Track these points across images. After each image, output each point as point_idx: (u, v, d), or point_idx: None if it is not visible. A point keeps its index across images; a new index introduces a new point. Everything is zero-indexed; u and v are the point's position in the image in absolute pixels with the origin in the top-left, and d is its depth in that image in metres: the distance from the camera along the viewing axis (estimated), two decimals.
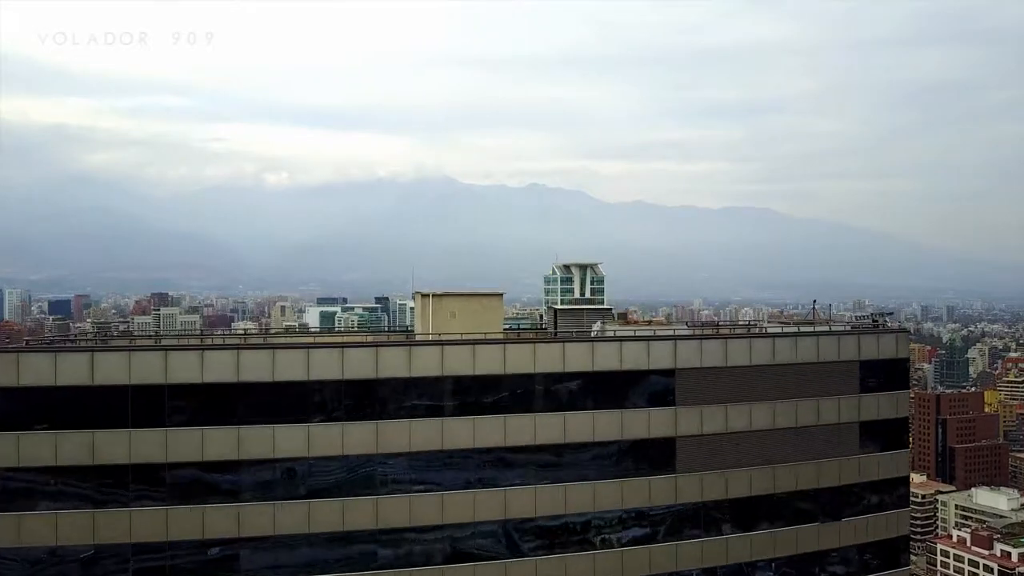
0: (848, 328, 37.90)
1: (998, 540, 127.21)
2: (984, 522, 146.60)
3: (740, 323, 46.40)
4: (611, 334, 33.26)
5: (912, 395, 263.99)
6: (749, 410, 33.70)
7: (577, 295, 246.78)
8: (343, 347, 29.51)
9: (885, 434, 36.76)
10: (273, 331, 37.51)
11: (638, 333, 32.84)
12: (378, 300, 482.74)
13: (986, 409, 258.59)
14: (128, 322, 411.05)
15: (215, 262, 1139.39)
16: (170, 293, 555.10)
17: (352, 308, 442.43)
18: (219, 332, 36.42)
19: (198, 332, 36.67)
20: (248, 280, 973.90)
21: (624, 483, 32.01)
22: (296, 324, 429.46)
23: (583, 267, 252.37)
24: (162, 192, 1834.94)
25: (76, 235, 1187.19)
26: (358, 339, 34.07)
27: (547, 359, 31.08)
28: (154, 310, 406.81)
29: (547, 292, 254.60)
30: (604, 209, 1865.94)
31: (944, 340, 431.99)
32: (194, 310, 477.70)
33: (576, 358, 31.24)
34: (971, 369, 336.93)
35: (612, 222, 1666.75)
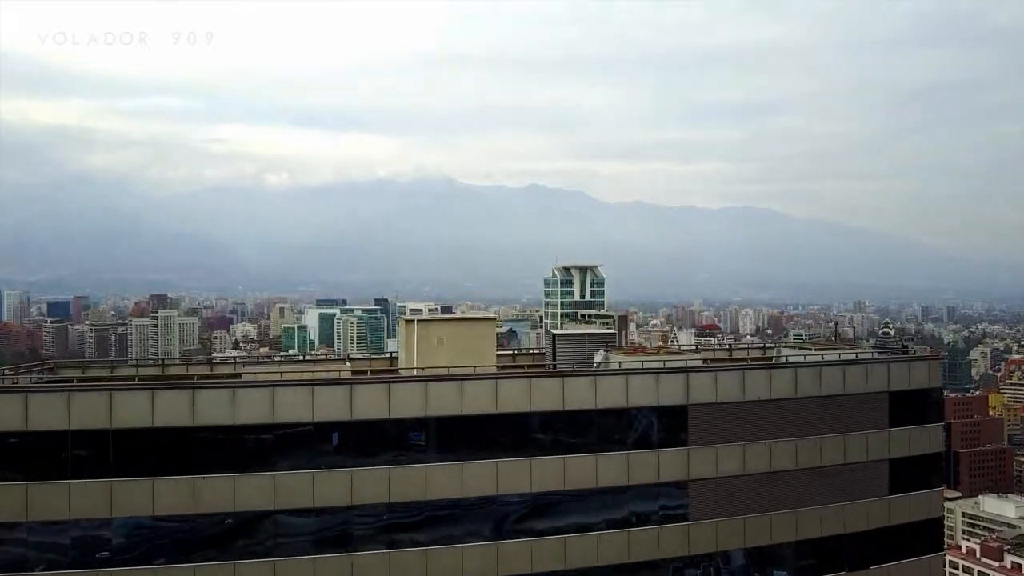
0: (875, 354, 34.41)
1: (1008, 552, 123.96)
2: (992, 531, 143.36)
3: (754, 346, 42.97)
4: (615, 366, 29.81)
5: None
6: (769, 449, 30.26)
7: (577, 297, 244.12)
8: (312, 385, 26.06)
9: (917, 472, 33.30)
10: (241, 359, 34.01)
11: (646, 365, 29.39)
12: (377, 302, 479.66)
13: (990, 412, 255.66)
14: (126, 324, 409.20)
15: (215, 263, 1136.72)
16: (169, 295, 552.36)
17: (351, 310, 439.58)
18: (186, 361, 33.10)
19: (159, 361, 33.26)
20: (248, 281, 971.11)
21: (631, 533, 28.55)
22: (295, 326, 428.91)
23: (583, 269, 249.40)
24: (162, 193, 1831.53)
25: (76, 236, 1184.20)
26: (332, 369, 30.64)
27: (544, 396, 27.65)
28: (152, 312, 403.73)
29: (547, 295, 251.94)
30: (604, 209, 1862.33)
31: (945, 341, 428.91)
32: (193, 312, 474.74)
33: (577, 394, 27.82)
34: (973, 371, 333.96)
35: (612, 222, 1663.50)
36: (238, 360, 32.77)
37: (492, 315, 33.86)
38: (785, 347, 36.10)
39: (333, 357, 34.99)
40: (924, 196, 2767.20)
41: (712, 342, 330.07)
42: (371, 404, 26.00)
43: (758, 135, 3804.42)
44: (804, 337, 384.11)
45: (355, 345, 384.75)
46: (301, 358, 34.01)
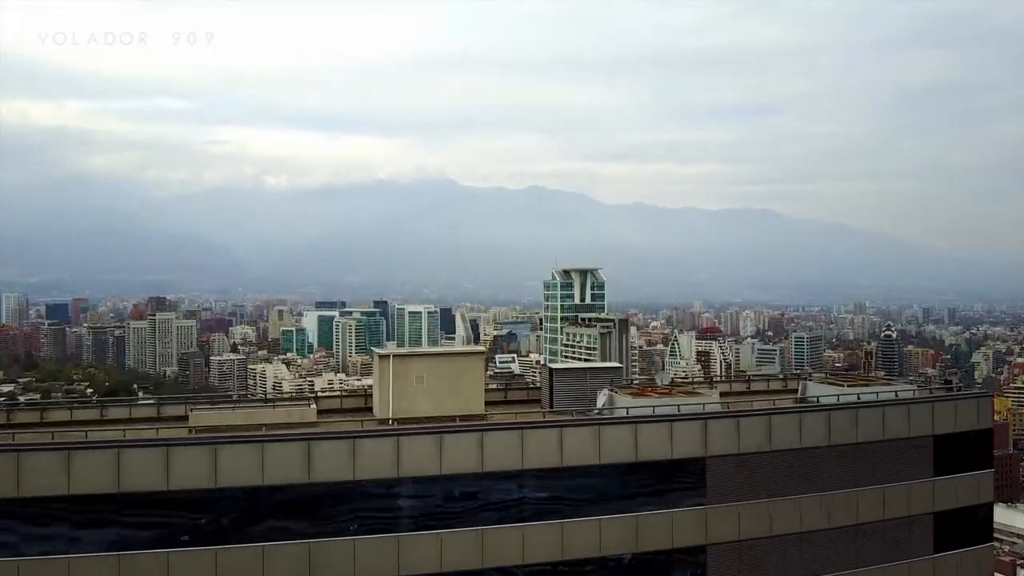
0: (915, 392, 30.21)
1: (1021, 565, 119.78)
2: (1001, 541, 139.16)
3: (775, 376, 38.60)
4: (622, 409, 25.57)
5: None
6: (799, 506, 26.12)
7: (577, 300, 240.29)
8: (262, 442, 21.85)
9: (965, 526, 29.15)
10: (192, 398, 29.72)
11: (657, 410, 25.15)
12: (376, 304, 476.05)
13: (996, 417, 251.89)
14: (124, 327, 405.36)
15: (215, 264, 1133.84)
16: (168, 297, 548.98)
17: (350, 312, 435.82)
18: (130, 401, 28.81)
19: (95, 401, 29.07)
20: (248, 282, 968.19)
21: None
22: (293, 329, 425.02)
23: (583, 272, 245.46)
24: (162, 194, 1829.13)
25: (76, 237, 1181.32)
26: (295, 410, 26.46)
27: (539, 450, 23.38)
28: (150, 315, 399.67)
29: (547, 298, 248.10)
30: (604, 211, 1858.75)
31: (946, 343, 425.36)
32: (192, 314, 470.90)
33: (577, 447, 23.58)
34: (976, 374, 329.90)
35: (612, 224, 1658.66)
36: (189, 400, 28.52)
37: (480, 348, 29.12)
38: (812, 381, 31.91)
39: (299, 396, 30.55)
40: (924, 196, 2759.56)
41: (714, 346, 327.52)
42: (332, 464, 21.79)
43: (757, 136, 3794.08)
44: (830, 356, 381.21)
45: (354, 348, 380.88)
46: (263, 396, 29.63)
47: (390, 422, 26.41)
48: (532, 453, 23.15)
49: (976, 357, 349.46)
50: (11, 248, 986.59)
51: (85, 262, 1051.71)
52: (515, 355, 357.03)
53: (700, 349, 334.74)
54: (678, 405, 25.33)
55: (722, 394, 32.53)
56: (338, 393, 31.66)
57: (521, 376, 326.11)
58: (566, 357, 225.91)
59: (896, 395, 28.60)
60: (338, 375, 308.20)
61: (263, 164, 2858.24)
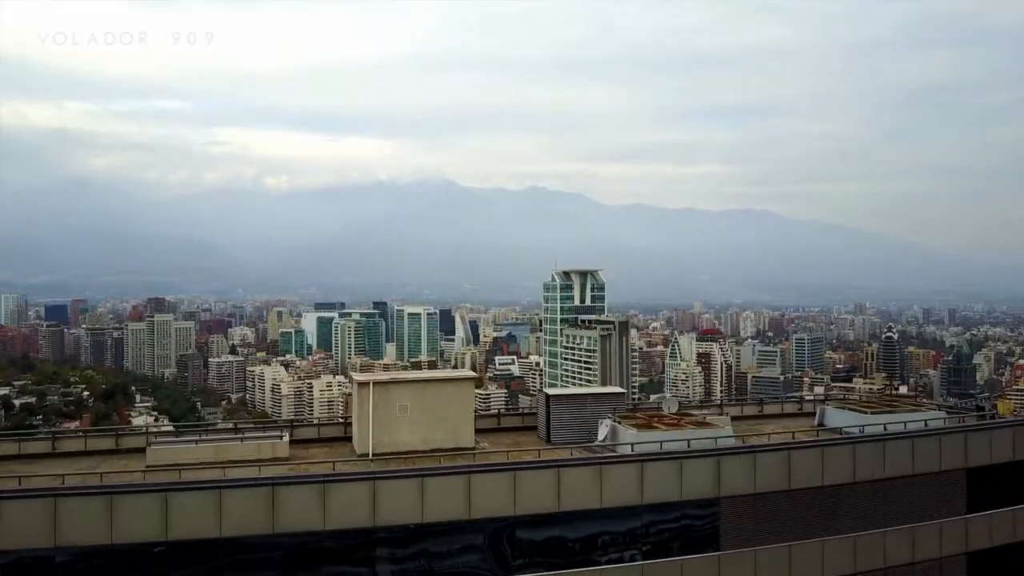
0: (946, 420, 27.59)
1: None
2: None
3: (790, 397, 35.91)
4: (626, 446, 22.96)
5: None
6: (821, 550, 23.57)
7: (577, 302, 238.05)
8: (219, 488, 19.22)
9: (1001, 568, 26.71)
10: (155, 428, 27.01)
11: (664, 445, 22.55)
12: (376, 305, 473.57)
13: None
14: (123, 329, 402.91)
15: (214, 265, 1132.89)
16: (168, 298, 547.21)
17: (350, 314, 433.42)
18: (86, 431, 26.05)
19: (47, 433, 25.94)
20: (248, 284, 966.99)
21: None
22: (292, 330, 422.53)
23: (583, 274, 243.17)
24: (162, 195, 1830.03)
25: (76, 239, 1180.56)
26: (268, 447, 23.87)
27: (534, 493, 20.64)
28: (148, 317, 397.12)
29: (547, 299, 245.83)
30: (604, 212, 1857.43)
31: (947, 344, 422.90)
32: (190, 316, 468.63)
33: (577, 489, 20.89)
34: (977, 376, 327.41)
35: (612, 225, 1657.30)
36: (151, 431, 26.01)
37: (470, 373, 26.33)
38: (830, 407, 29.34)
39: (271, 424, 27.95)
40: (923, 197, 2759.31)
41: (715, 348, 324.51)
42: (300, 511, 19.29)
43: (757, 136, 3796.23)
44: (831, 357, 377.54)
45: (353, 350, 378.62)
46: (233, 424, 27.10)
47: (370, 457, 23.91)
48: (526, 497, 20.57)
49: (977, 359, 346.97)
50: (11, 249, 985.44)
51: (85, 263, 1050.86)
52: (515, 357, 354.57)
53: (700, 351, 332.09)
54: (688, 440, 22.80)
55: (733, 418, 30.03)
56: (315, 422, 28.96)
57: (521, 378, 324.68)
58: (566, 359, 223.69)
59: (926, 424, 26.08)
60: (337, 377, 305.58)
61: (263, 165, 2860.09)
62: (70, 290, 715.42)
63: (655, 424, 24.02)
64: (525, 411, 30.34)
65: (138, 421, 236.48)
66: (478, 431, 27.19)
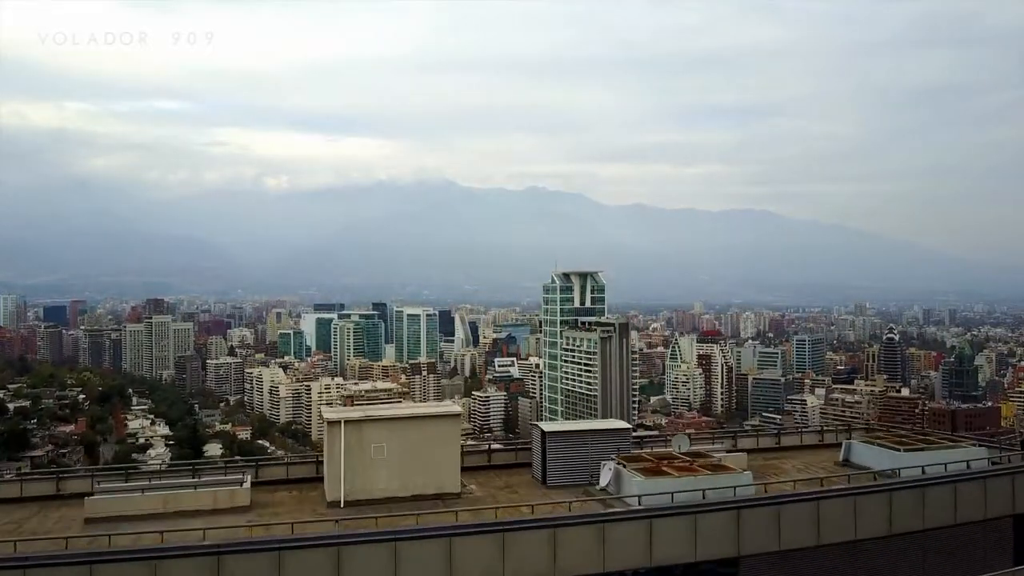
0: (988, 461, 24.59)
1: None
2: None
3: (808, 427, 32.72)
4: (633, 498, 20.03)
5: (926, 409, 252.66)
6: None
7: (577, 304, 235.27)
8: (154, 558, 16.18)
9: None
10: (101, 472, 23.88)
11: (676, 496, 19.62)
12: (375, 306, 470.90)
13: (1002, 423, 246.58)
14: (121, 330, 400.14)
15: (214, 266, 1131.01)
16: (167, 299, 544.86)
17: (349, 315, 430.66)
18: (23, 476, 22.98)
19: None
20: (248, 284, 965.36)
21: None
22: (291, 332, 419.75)
23: (583, 275, 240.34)
24: (162, 196, 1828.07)
25: (76, 239, 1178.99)
26: (226, 495, 21.01)
27: (526, 557, 17.68)
28: (147, 318, 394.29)
29: (546, 301, 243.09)
30: (604, 212, 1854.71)
31: (948, 345, 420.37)
32: (189, 317, 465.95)
33: (576, 551, 17.87)
34: (979, 377, 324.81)
35: (612, 225, 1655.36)
36: (96, 474, 23.19)
37: (455, 409, 23.07)
38: (857, 441, 26.44)
39: (233, 465, 25.08)
40: (923, 198, 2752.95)
41: (715, 349, 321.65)
42: None
43: (757, 137, 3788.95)
44: (832, 358, 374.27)
45: (352, 351, 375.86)
46: (191, 467, 24.24)
47: (341, 505, 21.12)
48: (517, 561, 17.68)
49: (978, 360, 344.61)
50: (11, 249, 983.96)
51: (85, 264, 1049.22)
52: (515, 359, 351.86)
53: (701, 352, 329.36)
54: (703, 490, 19.95)
55: (748, 451, 27.23)
56: (284, 460, 26.01)
57: (520, 380, 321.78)
58: (566, 361, 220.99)
59: (968, 465, 23.24)
60: (335, 379, 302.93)
61: (263, 166, 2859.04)
62: (70, 291, 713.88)
63: (664, 468, 21.18)
64: (519, 445, 27.49)
65: (135, 424, 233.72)
66: (466, 470, 24.43)
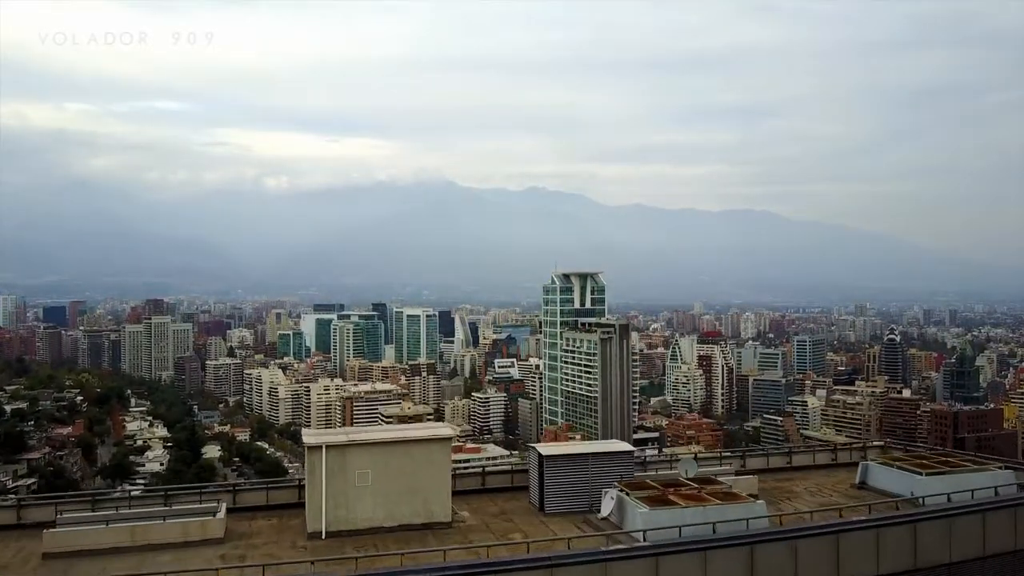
0: (1015, 483, 23.00)
1: None
2: None
3: (822, 447, 30.58)
4: (639, 532, 18.33)
5: (927, 410, 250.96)
6: None
7: (577, 305, 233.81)
8: None
9: None
10: (64, 501, 22.11)
11: (685, 531, 17.95)
12: (375, 307, 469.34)
13: (1004, 425, 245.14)
14: (120, 331, 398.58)
15: (214, 266, 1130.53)
16: (167, 299, 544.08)
17: (348, 316, 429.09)
18: None
19: None
20: (248, 285, 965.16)
21: None
22: (291, 333, 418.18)
23: (583, 276, 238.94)
24: (162, 196, 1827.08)
25: (76, 239, 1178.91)
26: (197, 526, 19.41)
27: None
28: (145, 319, 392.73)
29: (546, 302, 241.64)
30: (604, 212, 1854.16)
31: (948, 345, 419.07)
32: (189, 318, 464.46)
33: None
34: (980, 378, 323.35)
35: (612, 225, 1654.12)
36: (61, 502, 21.63)
37: (447, 432, 21.10)
38: (873, 463, 24.80)
39: (209, 491, 23.37)
40: (923, 198, 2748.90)
41: (716, 350, 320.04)
42: None
43: (757, 137, 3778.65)
44: (833, 359, 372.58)
45: (351, 352, 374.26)
46: (163, 493, 22.64)
47: (323, 537, 19.59)
48: None
49: (979, 361, 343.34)
50: (11, 250, 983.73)
51: (85, 264, 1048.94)
52: (514, 359, 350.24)
53: (702, 353, 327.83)
54: (713, 523, 18.37)
55: (758, 472, 25.68)
56: (263, 484, 24.32)
57: (520, 381, 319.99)
58: (566, 362, 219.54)
59: (996, 492, 21.65)
60: (334, 380, 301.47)
61: (263, 166, 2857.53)
62: (70, 291, 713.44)
63: (671, 497, 19.62)
64: (515, 467, 25.88)
65: (133, 426, 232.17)
66: (459, 494, 22.88)
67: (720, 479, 22.28)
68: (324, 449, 19.67)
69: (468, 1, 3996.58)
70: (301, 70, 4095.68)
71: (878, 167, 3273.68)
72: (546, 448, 22.79)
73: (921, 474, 22.69)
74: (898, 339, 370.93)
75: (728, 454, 28.57)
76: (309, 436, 20.57)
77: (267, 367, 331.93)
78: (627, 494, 19.88)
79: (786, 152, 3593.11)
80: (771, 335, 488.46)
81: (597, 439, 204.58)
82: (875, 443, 30.43)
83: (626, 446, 23.62)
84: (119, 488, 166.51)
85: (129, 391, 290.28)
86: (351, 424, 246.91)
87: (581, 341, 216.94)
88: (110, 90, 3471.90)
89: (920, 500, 21.94)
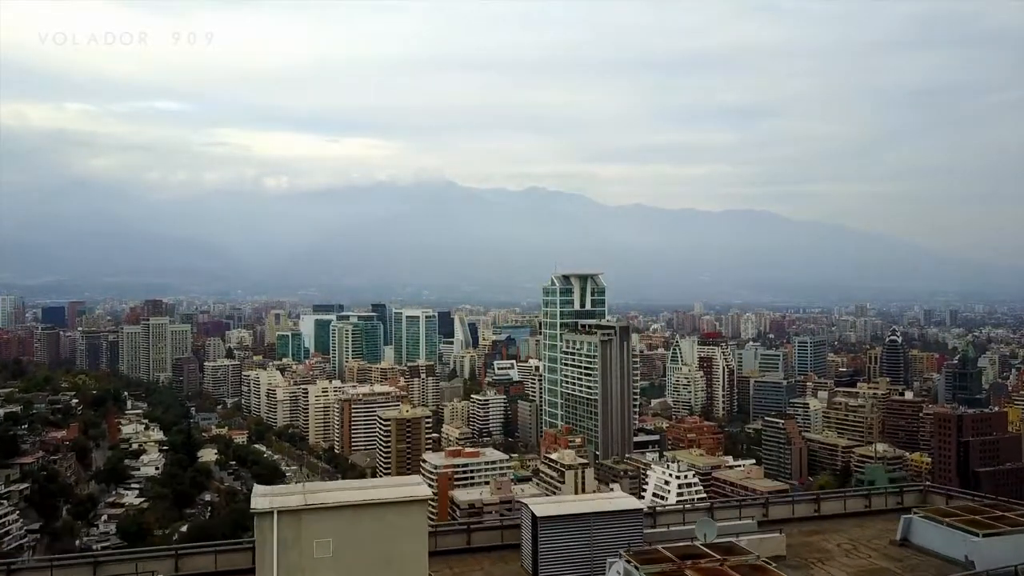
0: None
1: None
2: None
3: (853, 489, 27.60)
4: None
5: (930, 413, 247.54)
6: None
7: (577, 306, 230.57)
8: None
9: None
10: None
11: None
12: (374, 308, 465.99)
13: (1008, 428, 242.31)
14: (118, 331, 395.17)
15: (214, 267, 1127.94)
16: (166, 299, 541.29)
17: (348, 316, 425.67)
18: None
19: None
20: (248, 285, 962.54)
21: None
22: (289, 333, 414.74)
23: (583, 277, 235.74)
24: (162, 196, 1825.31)
25: (76, 239, 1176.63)
26: None
27: None
28: (144, 320, 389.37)
29: (546, 303, 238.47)
30: (604, 212, 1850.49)
31: (949, 346, 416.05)
32: (187, 318, 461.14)
33: None
34: (982, 379, 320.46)
35: (612, 226, 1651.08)
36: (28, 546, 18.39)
37: (422, 492, 17.46)
38: (919, 518, 21.44)
39: (150, 555, 20.02)
40: (923, 198, 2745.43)
41: (717, 352, 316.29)
42: None
43: (757, 137, 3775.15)
44: (833, 360, 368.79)
45: (350, 353, 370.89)
46: (96, 549, 19.32)
47: None
48: None
49: (981, 362, 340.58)
50: (10, 250, 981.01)
51: (85, 264, 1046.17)
52: (514, 361, 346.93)
53: (702, 355, 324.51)
54: None
55: (782, 522, 22.49)
56: (211, 545, 20.94)
57: (520, 383, 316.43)
58: (566, 364, 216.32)
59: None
60: (333, 382, 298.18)
61: (263, 166, 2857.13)
62: (70, 291, 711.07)
63: (687, 572, 16.46)
64: (505, 523, 22.68)
65: (128, 429, 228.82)
66: (439, 554, 19.73)
67: (743, 539, 19.11)
68: (275, 515, 16.48)
69: (468, 1, 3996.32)
70: (301, 70, 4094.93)
71: (878, 167, 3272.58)
72: (541, 507, 19.58)
73: (978, 535, 19.47)
74: (899, 340, 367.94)
75: (749, 502, 25.28)
76: (259, 497, 17.32)
77: (265, 368, 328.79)
78: (636, 568, 16.70)
79: (786, 152, 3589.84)
80: (771, 336, 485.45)
81: (597, 441, 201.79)
82: (912, 485, 27.24)
83: (634, 503, 20.43)
84: (111, 492, 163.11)
85: (126, 393, 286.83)
86: (348, 427, 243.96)
87: (581, 343, 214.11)
88: (110, 90, 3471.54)
89: (973, 564, 18.81)
